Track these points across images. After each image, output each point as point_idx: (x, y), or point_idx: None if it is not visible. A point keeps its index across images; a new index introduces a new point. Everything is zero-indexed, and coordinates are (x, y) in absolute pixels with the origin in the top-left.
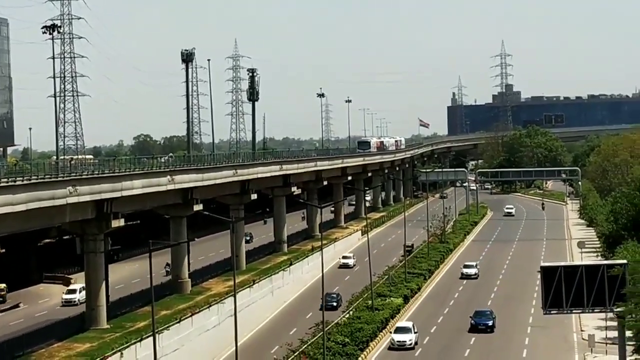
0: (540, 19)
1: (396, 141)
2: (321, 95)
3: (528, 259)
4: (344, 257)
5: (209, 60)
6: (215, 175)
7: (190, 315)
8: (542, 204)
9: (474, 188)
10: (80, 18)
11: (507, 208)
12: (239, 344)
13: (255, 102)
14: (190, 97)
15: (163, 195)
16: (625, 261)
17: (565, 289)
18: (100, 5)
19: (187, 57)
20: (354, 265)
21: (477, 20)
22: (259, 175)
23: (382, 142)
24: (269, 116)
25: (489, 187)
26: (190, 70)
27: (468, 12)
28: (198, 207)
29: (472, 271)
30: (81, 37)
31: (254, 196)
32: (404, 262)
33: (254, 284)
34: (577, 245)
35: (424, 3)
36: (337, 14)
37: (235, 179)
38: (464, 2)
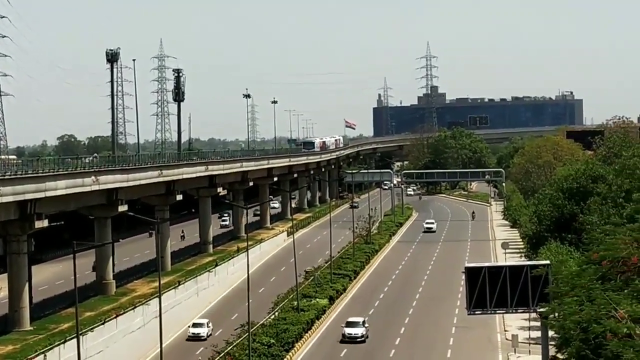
0: (466, 22)
1: (336, 140)
2: (247, 96)
3: (453, 260)
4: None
5: (134, 60)
6: (140, 175)
7: (115, 317)
8: (473, 212)
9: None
10: (3, 17)
11: (427, 223)
12: (164, 345)
13: (181, 103)
14: (115, 97)
15: (87, 195)
16: (548, 262)
17: (489, 290)
18: (24, 4)
19: (112, 57)
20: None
21: (403, 21)
22: (185, 176)
23: (324, 142)
24: (194, 117)
25: (414, 189)
26: (115, 70)
27: (394, 13)
28: (123, 208)
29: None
30: (4, 37)
31: (180, 197)
32: (329, 262)
33: (179, 285)
34: (501, 246)
35: (351, 4)
36: (264, 14)
37: (161, 179)
38: (390, 3)
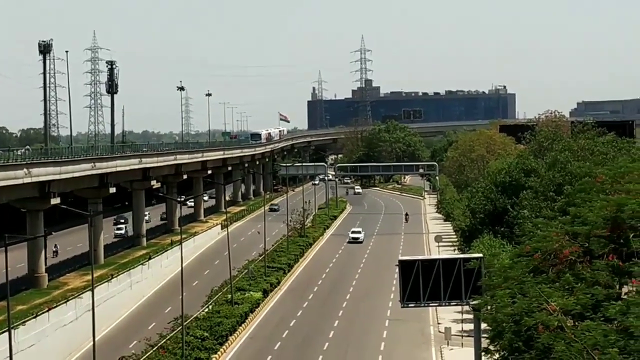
0: (400, 15)
1: (279, 131)
2: (181, 89)
3: (386, 253)
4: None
5: (67, 52)
6: (73, 168)
7: (47, 310)
8: (406, 214)
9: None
10: None
11: (352, 232)
12: (97, 338)
13: (114, 95)
14: (47, 89)
15: (19, 188)
16: (481, 255)
17: (422, 283)
18: None
19: (45, 49)
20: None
21: (337, 15)
22: (118, 169)
23: (269, 133)
24: (128, 109)
25: (348, 181)
26: (48, 61)
27: (328, 6)
28: (55, 201)
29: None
30: None
31: (113, 190)
32: (263, 255)
33: (112, 278)
34: (435, 239)
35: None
36: (198, 6)
37: (94, 172)
38: None
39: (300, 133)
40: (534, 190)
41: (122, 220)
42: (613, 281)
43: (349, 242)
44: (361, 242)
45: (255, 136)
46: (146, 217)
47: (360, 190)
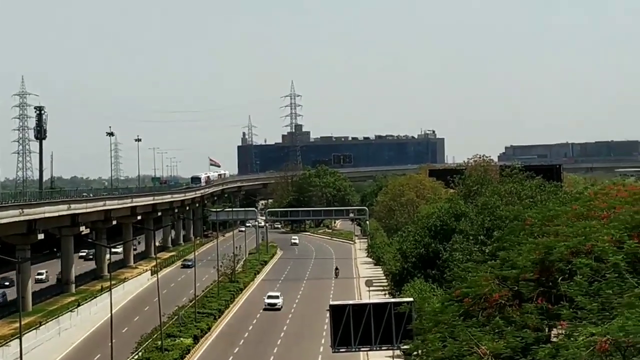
0: (329, 60)
1: (219, 175)
2: (110, 134)
3: (317, 298)
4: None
5: None
6: (0, 214)
7: None
8: (336, 269)
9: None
10: None
11: (269, 297)
12: None
13: (43, 141)
14: None
15: None
16: (412, 299)
17: (353, 327)
18: None
19: None
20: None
21: (267, 60)
22: (46, 215)
23: (208, 177)
24: (57, 154)
25: (279, 226)
26: None
27: (258, 52)
28: None
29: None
30: None
31: (41, 236)
32: (194, 301)
33: (40, 325)
34: (365, 283)
35: (214, 42)
36: (125, 53)
37: (22, 218)
38: (254, 42)
39: (231, 178)
40: (464, 234)
41: (7, 283)
42: (542, 324)
43: (264, 309)
44: (279, 309)
45: (195, 179)
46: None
47: (297, 241)
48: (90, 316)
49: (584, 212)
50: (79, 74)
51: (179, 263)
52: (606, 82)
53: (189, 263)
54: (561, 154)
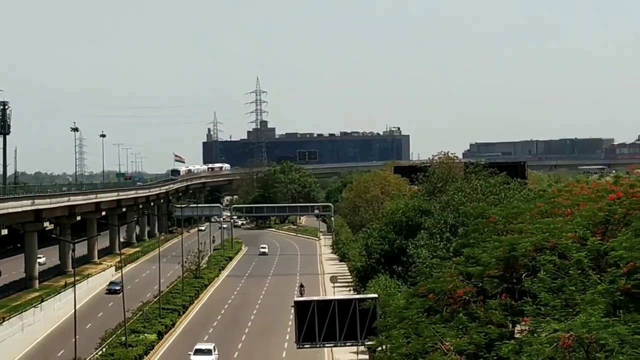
0: (295, 57)
1: (210, 168)
2: (75, 130)
3: (282, 294)
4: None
5: None
6: None
7: None
8: (301, 286)
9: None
10: None
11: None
12: None
13: (7, 136)
14: None
15: None
16: (376, 295)
17: (318, 323)
18: None
19: None
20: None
21: (233, 55)
22: (10, 211)
23: (189, 170)
24: (20, 150)
25: (244, 222)
26: None
27: (223, 49)
28: None
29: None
30: None
31: (5, 231)
32: (158, 297)
33: (3, 321)
34: (330, 279)
35: (180, 38)
36: (93, 47)
37: None
38: (220, 39)
39: (196, 174)
40: (429, 231)
41: None
42: (506, 320)
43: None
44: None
45: (175, 172)
46: (41, 259)
47: (266, 251)
48: (54, 312)
49: (547, 210)
50: (43, 69)
51: (145, 258)
52: (568, 80)
53: (116, 287)
54: (525, 151)
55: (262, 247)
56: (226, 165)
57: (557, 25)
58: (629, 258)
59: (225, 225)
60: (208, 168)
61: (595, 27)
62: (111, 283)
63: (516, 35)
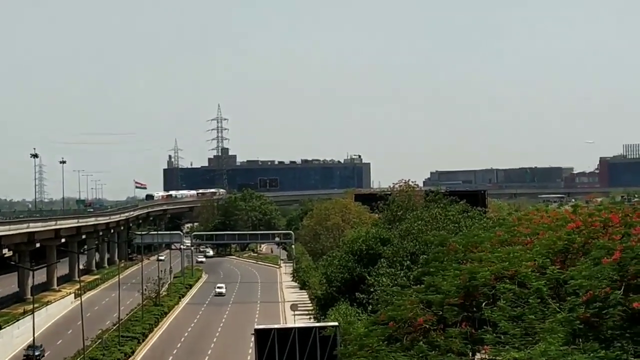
0: (256, 84)
1: (199, 194)
2: (35, 156)
3: (242, 322)
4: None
5: None
6: None
7: None
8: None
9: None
10: None
11: None
12: None
13: None
14: None
15: None
16: (336, 323)
17: (278, 351)
18: None
19: None
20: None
21: (193, 82)
22: None
23: (170, 195)
24: None
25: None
26: None
27: (184, 74)
28: None
29: None
30: None
31: None
32: (117, 325)
33: None
34: (290, 307)
35: (141, 63)
36: (51, 72)
37: None
38: (181, 65)
39: (156, 201)
40: (389, 259)
41: None
42: (466, 349)
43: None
44: None
45: (149, 197)
46: None
47: (224, 291)
48: (12, 340)
49: (507, 238)
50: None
51: (104, 285)
52: (528, 108)
53: (37, 352)
54: (486, 179)
55: (218, 287)
56: (221, 191)
57: (515, 51)
58: (588, 286)
59: (187, 253)
60: (198, 193)
61: (553, 54)
62: (29, 347)
63: (477, 60)
